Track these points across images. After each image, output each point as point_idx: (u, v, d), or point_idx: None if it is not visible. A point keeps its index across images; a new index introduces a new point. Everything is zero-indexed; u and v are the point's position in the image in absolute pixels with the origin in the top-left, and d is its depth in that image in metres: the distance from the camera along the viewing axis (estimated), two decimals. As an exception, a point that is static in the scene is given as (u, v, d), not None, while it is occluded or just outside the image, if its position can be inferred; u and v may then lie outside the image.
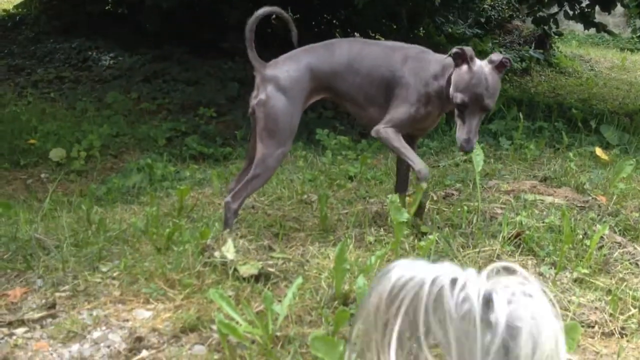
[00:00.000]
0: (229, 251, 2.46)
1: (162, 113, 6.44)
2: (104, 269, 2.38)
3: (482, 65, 2.37)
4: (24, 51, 8.37)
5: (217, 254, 2.46)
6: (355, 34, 9.52)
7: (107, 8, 9.21)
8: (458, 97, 2.36)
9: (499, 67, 2.38)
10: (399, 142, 2.67)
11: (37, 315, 2.07)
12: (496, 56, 2.41)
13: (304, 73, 2.70)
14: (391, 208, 2.53)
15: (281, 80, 2.67)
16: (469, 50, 2.36)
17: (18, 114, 5.94)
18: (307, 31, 9.12)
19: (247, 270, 2.36)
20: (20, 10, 10.23)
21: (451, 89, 2.42)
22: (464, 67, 2.36)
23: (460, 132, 2.40)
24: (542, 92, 8.46)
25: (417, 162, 2.67)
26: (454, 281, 0.83)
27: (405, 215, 2.50)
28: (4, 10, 10.43)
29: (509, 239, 2.81)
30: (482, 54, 8.96)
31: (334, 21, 9.35)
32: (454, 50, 2.40)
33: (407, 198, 2.94)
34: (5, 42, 8.76)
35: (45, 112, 6.13)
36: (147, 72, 7.46)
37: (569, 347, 1.67)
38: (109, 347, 1.92)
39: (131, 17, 8.74)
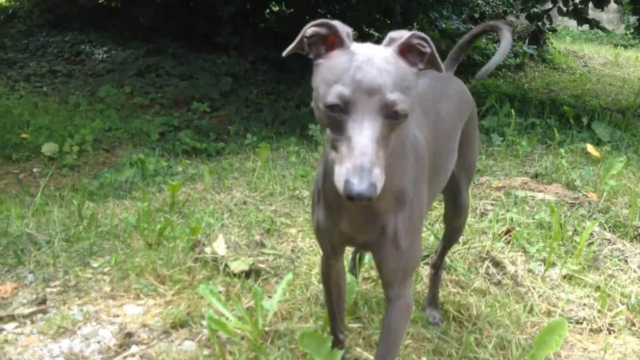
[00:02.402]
0: (219, 247, 2.47)
1: (155, 107, 6.42)
2: (95, 265, 2.39)
3: (369, 47, 1.25)
4: (16, 44, 8.33)
5: (208, 249, 2.47)
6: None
7: (100, 1, 9.17)
8: (332, 93, 1.15)
9: (406, 51, 1.26)
10: None
11: (27, 311, 2.07)
12: (398, 33, 1.27)
13: None
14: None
15: None
16: (340, 26, 1.25)
17: (10, 107, 5.91)
18: (301, 26, 9.12)
19: (237, 266, 2.37)
20: (12, 3, 10.17)
21: (316, 92, 1.22)
22: (335, 51, 1.24)
23: (344, 158, 1.13)
24: (536, 88, 8.47)
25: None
26: None
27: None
28: (-3, 3, 10.39)
29: (499, 235, 2.82)
30: (476, 50, 8.98)
31: (328, 16, 9.33)
32: (310, 29, 1.27)
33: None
34: (-3, 35, 8.73)
35: (38, 106, 6.10)
36: (140, 66, 7.43)
37: (554, 344, 1.68)
38: (99, 342, 1.93)
39: (125, 10, 8.71)
